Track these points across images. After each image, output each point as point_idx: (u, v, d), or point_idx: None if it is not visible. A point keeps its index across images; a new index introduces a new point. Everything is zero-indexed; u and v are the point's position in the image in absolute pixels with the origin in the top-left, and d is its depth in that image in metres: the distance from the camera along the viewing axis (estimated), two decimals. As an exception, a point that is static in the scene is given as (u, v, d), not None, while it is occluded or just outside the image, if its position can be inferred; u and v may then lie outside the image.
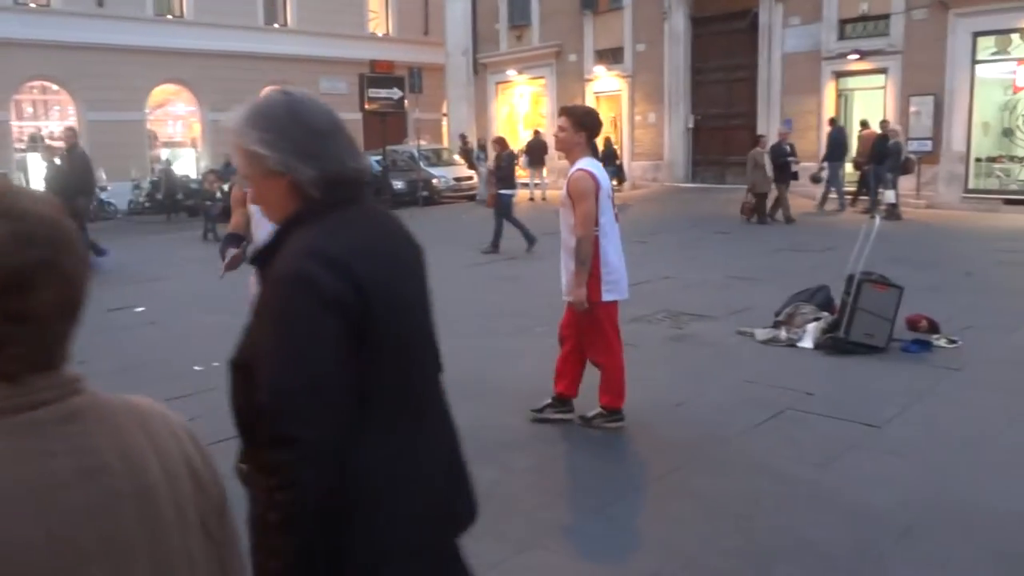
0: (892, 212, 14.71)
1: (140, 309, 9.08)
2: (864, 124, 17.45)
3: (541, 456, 4.61)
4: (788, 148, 15.65)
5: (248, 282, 3.87)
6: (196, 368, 6.60)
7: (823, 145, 18.98)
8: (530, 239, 12.43)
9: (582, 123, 4.83)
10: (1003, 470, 4.28)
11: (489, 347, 7.06)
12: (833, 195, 16.52)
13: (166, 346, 7.47)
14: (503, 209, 12.63)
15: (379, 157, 21.37)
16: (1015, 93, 16.43)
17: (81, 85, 24.74)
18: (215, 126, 28.78)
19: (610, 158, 19.41)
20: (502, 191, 12.57)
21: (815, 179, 16.46)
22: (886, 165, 14.98)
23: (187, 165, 26.72)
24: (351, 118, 28.88)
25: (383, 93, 20.95)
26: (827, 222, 15.03)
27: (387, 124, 21.81)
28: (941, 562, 3.36)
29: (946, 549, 3.47)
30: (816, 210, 16.45)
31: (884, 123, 15.77)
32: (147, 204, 22.33)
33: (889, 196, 15.01)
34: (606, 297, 4.80)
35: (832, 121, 17.58)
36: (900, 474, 4.24)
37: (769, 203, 15.41)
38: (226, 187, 16.14)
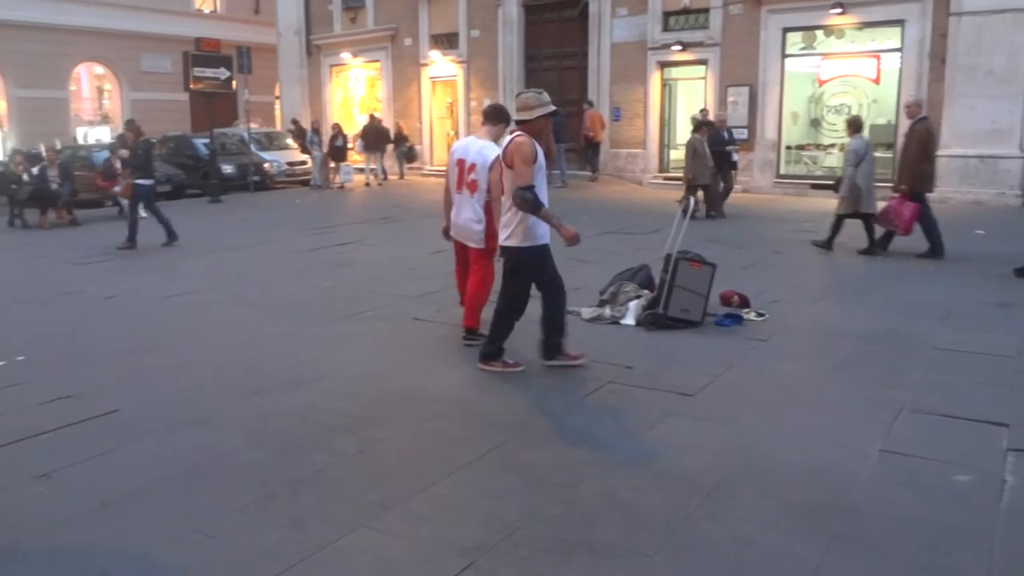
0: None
1: (-67, 302, 8.30)
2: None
3: (368, 440, 4.59)
4: (726, 135, 14.83)
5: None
6: (-3, 363, 6.14)
7: (651, 131, 19.84)
8: (171, 235, 12.10)
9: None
10: (801, 429, 4.64)
11: (320, 333, 6.95)
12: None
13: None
14: (141, 200, 12.17)
15: (207, 140, 20.46)
16: (820, 86, 17.72)
17: None
18: (23, 104, 26.73)
19: (399, 141, 23.50)
20: (139, 181, 12.00)
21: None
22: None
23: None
24: (176, 98, 27.62)
25: (209, 73, 20.00)
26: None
27: (215, 105, 20.88)
28: (744, 517, 3.60)
29: (749, 504, 3.72)
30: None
31: (704, 111, 16.59)
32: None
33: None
34: None
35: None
36: (710, 438, 4.51)
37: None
38: (35, 170, 15.01)
